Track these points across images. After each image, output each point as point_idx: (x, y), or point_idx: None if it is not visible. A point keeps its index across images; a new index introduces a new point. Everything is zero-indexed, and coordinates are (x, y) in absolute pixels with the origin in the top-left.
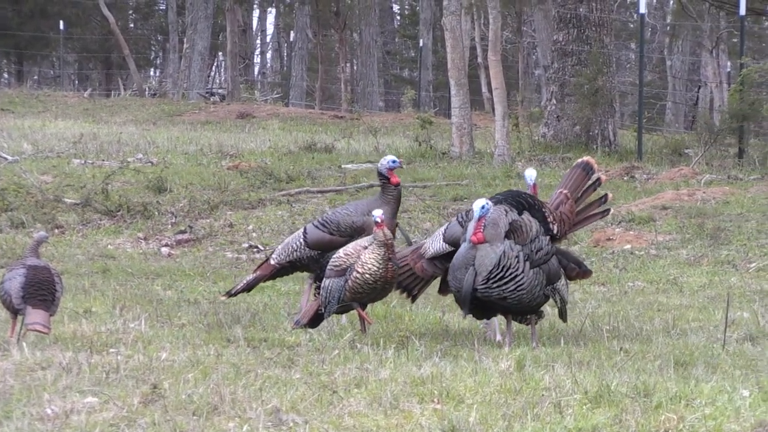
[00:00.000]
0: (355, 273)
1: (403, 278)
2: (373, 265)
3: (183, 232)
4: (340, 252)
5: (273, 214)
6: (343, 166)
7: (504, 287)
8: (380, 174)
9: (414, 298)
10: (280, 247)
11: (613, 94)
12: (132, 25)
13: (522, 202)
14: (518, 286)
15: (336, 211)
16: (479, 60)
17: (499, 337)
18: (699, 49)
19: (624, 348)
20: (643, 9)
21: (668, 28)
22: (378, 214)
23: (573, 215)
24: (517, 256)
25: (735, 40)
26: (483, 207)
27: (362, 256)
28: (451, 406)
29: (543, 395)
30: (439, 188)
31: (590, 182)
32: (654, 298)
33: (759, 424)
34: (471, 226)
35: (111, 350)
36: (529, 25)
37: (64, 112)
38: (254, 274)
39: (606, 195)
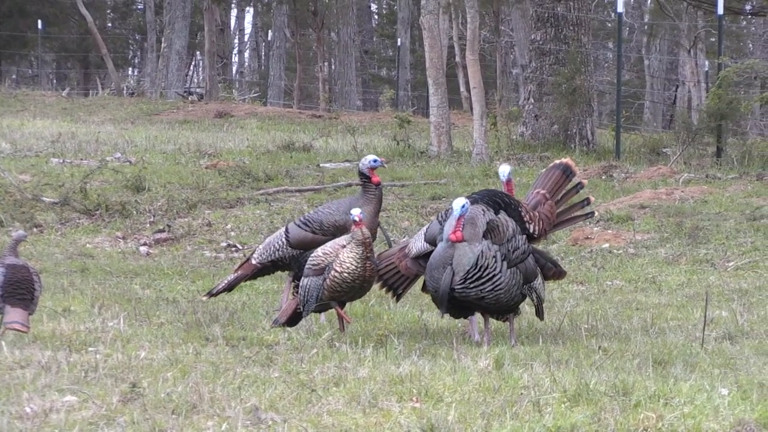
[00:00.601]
0: (333, 272)
1: (388, 276)
2: (351, 264)
3: (161, 231)
4: (319, 251)
5: (251, 213)
6: (321, 165)
7: (482, 287)
8: (361, 173)
9: (399, 297)
10: (261, 246)
11: (591, 93)
12: (110, 25)
13: (498, 201)
14: (496, 286)
15: (318, 210)
16: (457, 59)
17: (477, 337)
18: (677, 49)
19: (603, 347)
20: (620, 8)
21: (646, 27)
22: (356, 212)
23: (553, 216)
24: (494, 256)
25: (713, 39)
26: (463, 206)
27: (340, 255)
28: (430, 405)
29: (522, 394)
30: (418, 187)
31: (571, 185)
32: (632, 296)
33: (738, 422)
34: (448, 225)
35: (90, 349)
36: (507, 24)
37: (43, 111)
38: (235, 274)
39: (588, 198)
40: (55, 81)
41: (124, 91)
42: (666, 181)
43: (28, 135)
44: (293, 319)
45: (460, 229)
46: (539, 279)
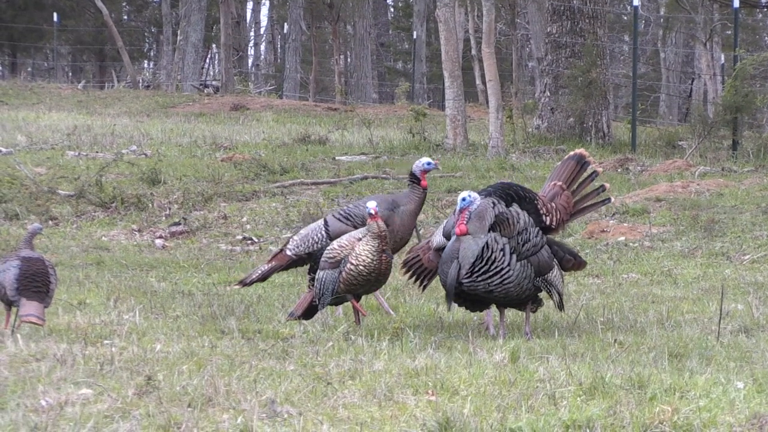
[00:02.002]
0: (349, 265)
1: (415, 268)
2: (367, 257)
3: (177, 224)
4: (335, 244)
5: (267, 205)
6: (336, 158)
7: (489, 280)
8: (413, 174)
9: (425, 287)
10: (297, 238)
11: (607, 86)
12: (126, 17)
13: (511, 194)
14: (504, 279)
15: (359, 204)
16: (473, 52)
17: (492, 330)
18: (693, 42)
19: (618, 340)
20: (636, 1)
21: (662, 20)
22: (372, 206)
23: (570, 206)
24: (502, 249)
25: (729, 32)
26: (464, 199)
27: (356, 248)
28: (445, 398)
29: (537, 387)
30: (433, 180)
31: (586, 174)
32: (648, 290)
33: (753, 416)
34: (453, 218)
35: (105, 342)
36: (523, 17)
37: (58, 104)
38: (269, 265)
39: (603, 185)
40: (70, 74)
41: (140, 84)
42: (682, 174)
43: (43, 128)
44: (309, 312)
45: (464, 222)
46: (555, 271)
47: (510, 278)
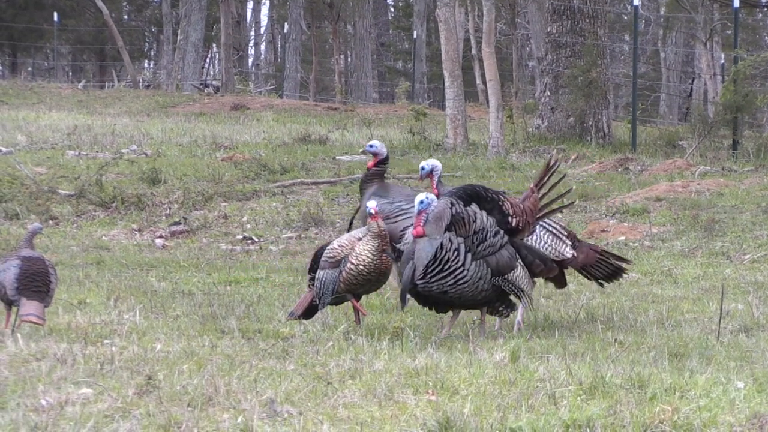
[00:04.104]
0: (349, 264)
1: None
2: (367, 257)
3: (177, 223)
4: (335, 243)
5: (267, 205)
6: (337, 157)
7: (443, 281)
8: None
9: None
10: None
11: (607, 85)
12: (126, 17)
13: (472, 194)
14: (458, 280)
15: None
16: (473, 52)
17: (496, 326)
18: (693, 41)
19: (618, 339)
20: (636, 1)
21: (662, 19)
22: (372, 205)
23: (536, 208)
24: (456, 249)
25: (729, 32)
26: (422, 202)
27: (356, 248)
28: (445, 398)
29: (537, 386)
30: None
31: (555, 177)
32: (648, 289)
33: (753, 415)
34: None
35: (105, 341)
36: (523, 16)
37: (58, 103)
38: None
39: (571, 188)
40: (71, 73)
41: (140, 84)
42: (682, 174)
43: (44, 127)
44: (309, 311)
45: (421, 224)
46: (518, 272)
47: (464, 278)
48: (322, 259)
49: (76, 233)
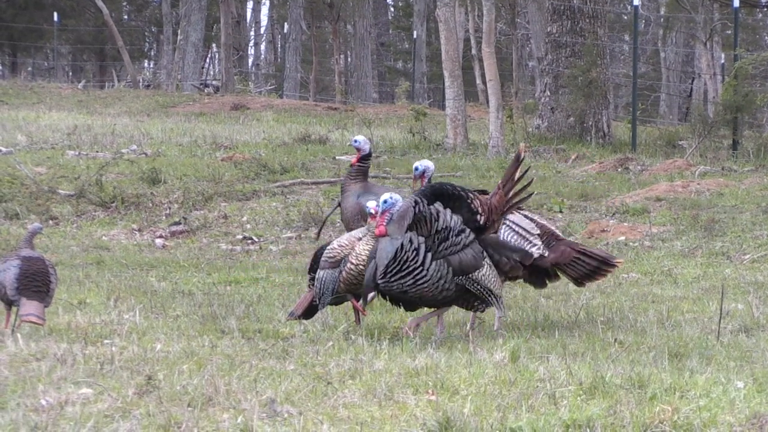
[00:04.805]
0: (349, 264)
1: None
2: (367, 257)
3: (177, 223)
4: (335, 243)
5: (267, 205)
6: (337, 157)
7: (402, 281)
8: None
9: None
10: None
11: (607, 85)
12: (126, 17)
13: (437, 192)
14: (417, 280)
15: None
16: (473, 52)
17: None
18: (693, 41)
19: (618, 339)
20: (636, 1)
21: (662, 19)
22: (371, 205)
23: (502, 204)
24: (416, 248)
25: (729, 32)
26: (385, 201)
27: (356, 248)
28: (445, 398)
29: (537, 386)
30: (434, 180)
31: (519, 172)
32: (648, 289)
33: (753, 415)
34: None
35: (105, 341)
36: (523, 16)
37: (58, 103)
38: None
39: (531, 180)
40: (71, 73)
41: (140, 84)
42: (682, 174)
43: (44, 127)
44: (309, 311)
45: (383, 223)
46: (485, 271)
47: (423, 278)
48: (322, 259)
49: (76, 233)
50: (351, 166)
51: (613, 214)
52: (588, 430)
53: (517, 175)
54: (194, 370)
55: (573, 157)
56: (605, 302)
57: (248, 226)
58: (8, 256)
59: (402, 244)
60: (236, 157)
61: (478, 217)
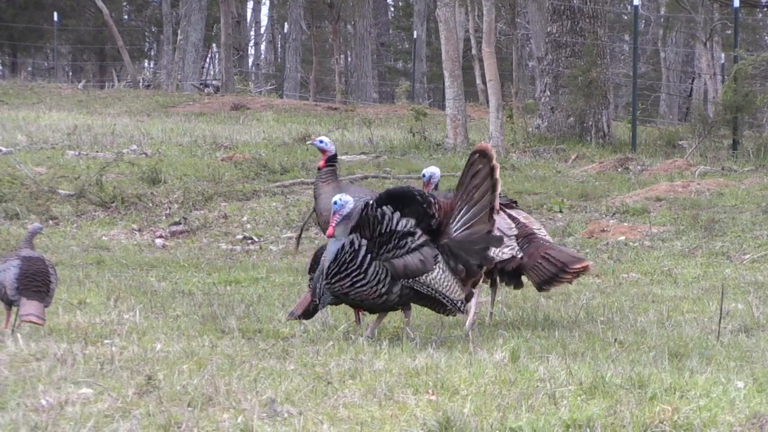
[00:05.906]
0: None
1: None
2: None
3: (177, 223)
4: None
5: (267, 205)
6: (337, 157)
7: (341, 283)
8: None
9: None
10: None
11: (607, 85)
12: (126, 17)
13: (394, 195)
14: (354, 282)
15: None
16: (473, 52)
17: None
18: (693, 41)
19: (618, 339)
20: (636, 1)
21: (662, 19)
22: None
23: (450, 208)
24: (356, 251)
25: (729, 32)
26: (335, 203)
27: None
28: (445, 398)
29: (537, 386)
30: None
31: (471, 171)
32: (648, 289)
33: (753, 415)
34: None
35: (105, 341)
36: (523, 16)
37: (59, 103)
38: None
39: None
40: (71, 73)
41: (140, 84)
42: (682, 174)
43: (44, 127)
44: (309, 311)
45: (333, 224)
46: (435, 275)
47: (361, 281)
48: (323, 259)
49: (76, 233)
50: (319, 169)
51: (613, 214)
52: (588, 430)
53: (468, 173)
54: (194, 370)
55: (573, 157)
56: (605, 302)
57: (248, 226)
58: (8, 256)
59: (343, 245)
60: (236, 157)
61: (433, 221)
